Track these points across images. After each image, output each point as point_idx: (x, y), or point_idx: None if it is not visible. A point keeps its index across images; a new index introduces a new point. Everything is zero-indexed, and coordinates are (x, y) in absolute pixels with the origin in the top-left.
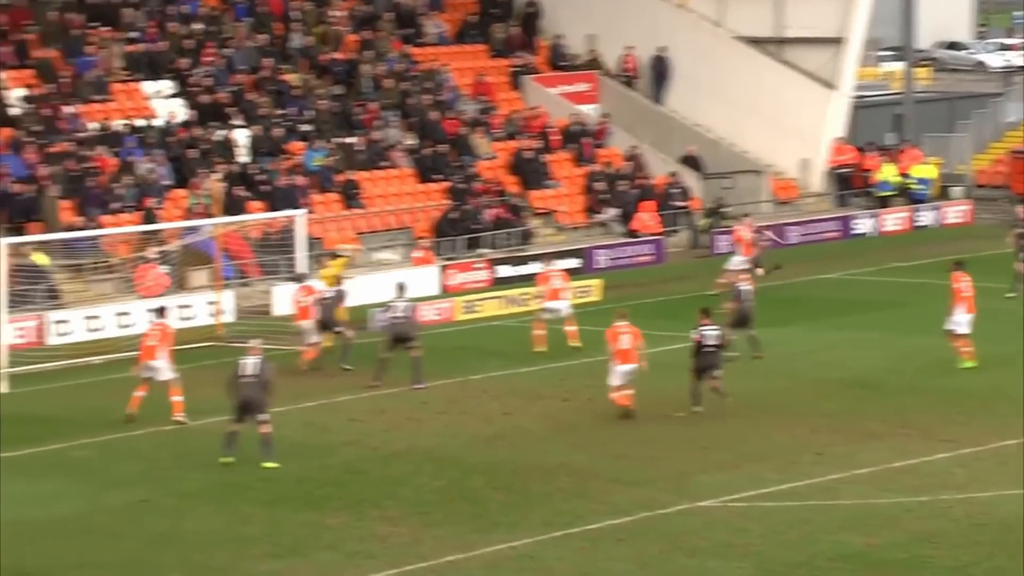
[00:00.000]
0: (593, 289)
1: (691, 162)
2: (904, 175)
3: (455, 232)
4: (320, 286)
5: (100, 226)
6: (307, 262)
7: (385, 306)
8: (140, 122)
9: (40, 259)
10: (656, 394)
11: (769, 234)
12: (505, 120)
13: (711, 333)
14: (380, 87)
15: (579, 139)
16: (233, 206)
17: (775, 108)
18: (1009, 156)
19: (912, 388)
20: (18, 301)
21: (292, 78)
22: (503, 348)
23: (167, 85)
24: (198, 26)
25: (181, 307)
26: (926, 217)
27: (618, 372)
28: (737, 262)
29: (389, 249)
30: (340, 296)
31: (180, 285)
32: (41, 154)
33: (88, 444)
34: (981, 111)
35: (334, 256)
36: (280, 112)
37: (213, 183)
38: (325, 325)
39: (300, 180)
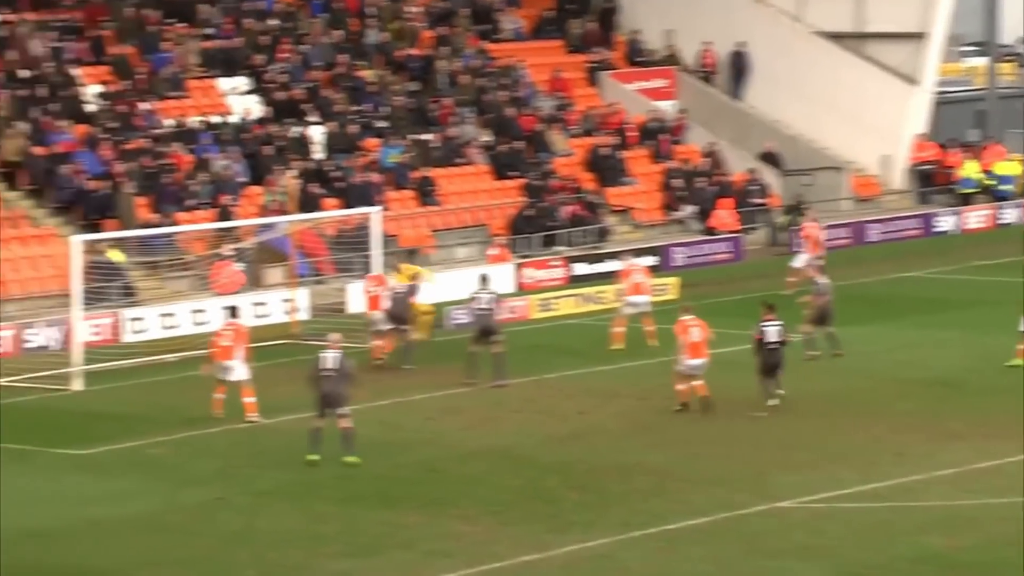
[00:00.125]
0: (670, 287)
1: (770, 159)
2: (987, 172)
3: (531, 229)
4: (393, 280)
5: (176, 223)
6: (382, 260)
7: (470, 298)
8: (216, 119)
9: (116, 256)
10: (733, 392)
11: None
12: (582, 116)
13: (772, 329)
14: (456, 83)
15: (656, 136)
16: (308, 203)
17: (855, 104)
18: None
19: (994, 388)
20: (93, 298)
21: (368, 74)
22: (579, 346)
23: (243, 81)
24: (273, 22)
25: (256, 305)
26: (1009, 215)
27: (688, 366)
28: (804, 259)
29: (464, 246)
30: (412, 291)
31: (255, 283)
32: (117, 151)
33: (163, 442)
34: None
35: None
36: (355, 109)
37: (288, 180)
38: (395, 319)
39: (375, 177)
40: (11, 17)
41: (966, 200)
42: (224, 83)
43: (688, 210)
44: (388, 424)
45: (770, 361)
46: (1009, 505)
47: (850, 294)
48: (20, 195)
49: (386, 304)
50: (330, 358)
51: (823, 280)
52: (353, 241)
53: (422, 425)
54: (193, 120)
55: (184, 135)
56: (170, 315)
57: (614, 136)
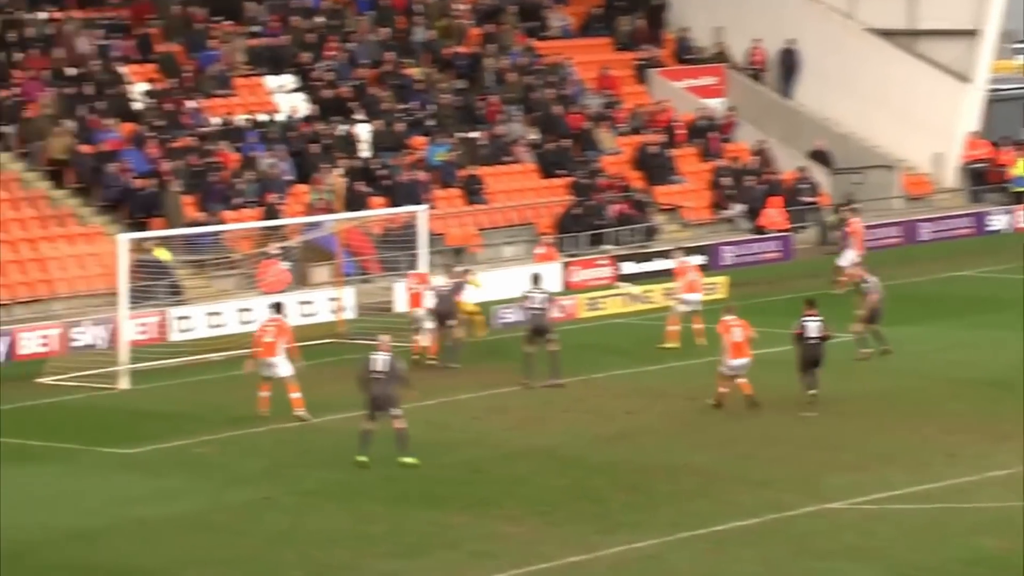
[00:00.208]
0: (719, 286)
1: (820, 157)
2: None
3: (578, 228)
4: (438, 279)
5: (222, 221)
6: (428, 258)
7: (522, 297)
8: (262, 117)
9: (162, 255)
10: (782, 392)
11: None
12: (630, 114)
13: (813, 324)
14: (503, 81)
15: (705, 134)
16: (354, 202)
17: (907, 102)
18: None
19: None
20: (140, 297)
21: (415, 72)
22: (626, 346)
23: (289, 79)
24: (320, 20)
25: (302, 303)
26: None
27: (730, 366)
28: (850, 257)
29: (511, 245)
30: (457, 288)
31: (301, 281)
32: (163, 149)
33: (209, 441)
34: None
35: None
36: (402, 107)
37: (335, 178)
38: (441, 316)
39: (422, 175)
40: (58, 15)
41: (1019, 198)
42: (271, 81)
43: (737, 209)
44: (434, 424)
45: (810, 356)
46: None
47: (901, 293)
48: (67, 193)
49: (431, 302)
50: (380, 360)
51: (872, 278)
52: (400, 240)
53: (468, 425)
54: (240, 118)
55: (231, 133)
56: (216, 314)
57: (662, 134)
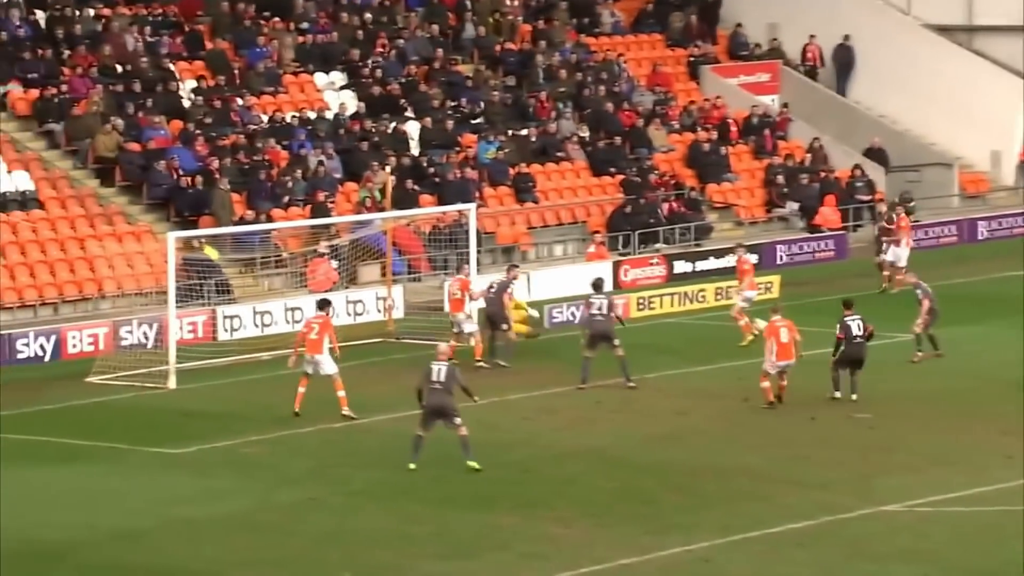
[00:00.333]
0: (772, 285)
1: (875, 154)
2: None
3: (630, 227)
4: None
5: (271, 220)
6: (477, 257)
7: (585, 303)
8: (311, 114)
9: (211, 253)
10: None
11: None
12: (682, 111)
13: (854, 323)
14: (554, 78)
15: (759, 131)
16: (404, 200)
17: (964, 98)
18: None
19: None
20: (188, 296)
21: (465, 69)
22: (678, 346)
23: (338, 77)
24: (369, 16)
25: (351, 302)
26: None
27: (774, 365)
28: (896, 254)
29: (562, 244)
30: (503, 287)
31: (350, 280)
32: (211, 147)
33: (257, 441)
34: None
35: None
36: (452, 104)
37: (384, 176)
38: (490, 318)
39: (472, 173)
40: (106, 12)
41: None
42: (320, 78)
43: (791, 207)
44: (484, 424)
45: (856, 355)
46: None
47: (957, 293)
48: (115, 192)
49: (480, 304)
50: (439, 370)
51: (922, 284)
52: (449, 238)
53: (518, 425)
54: (288, 115)
55: (279, 131)
56: (265, 313)
57: (715, 132)
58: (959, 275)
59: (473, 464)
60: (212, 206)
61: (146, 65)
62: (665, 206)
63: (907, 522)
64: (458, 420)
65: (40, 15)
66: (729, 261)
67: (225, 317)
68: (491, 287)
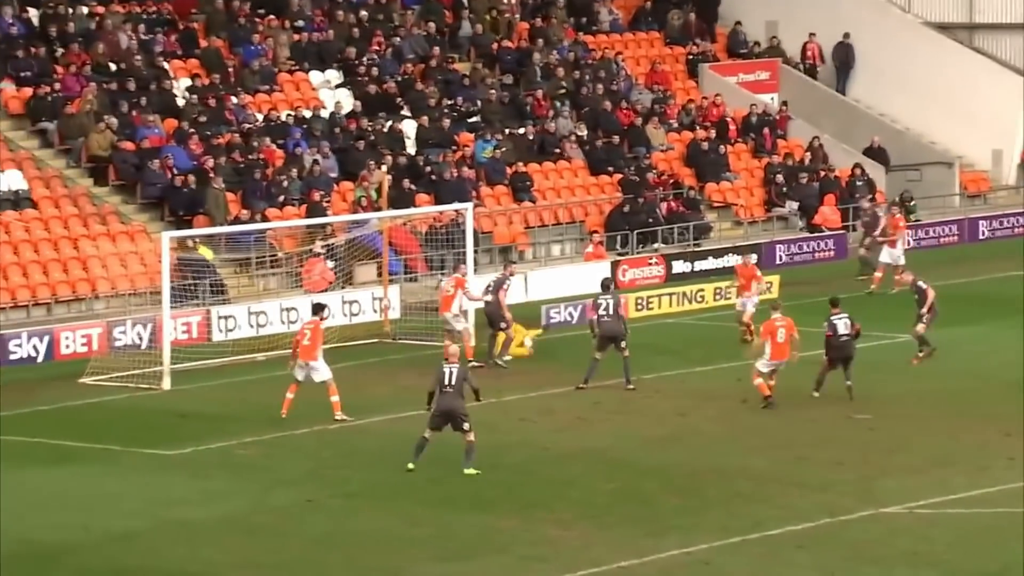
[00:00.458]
0: (771, 285)
1: (876, 154)
2: None
3: (628, 226)
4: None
5: (266, 219)
6: (474, 257)
7: (593, 304)
8: (306, 113)
9: (205, 253)
10: (837, 395)
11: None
12: (681, 110)
13: (841, 322)
14: (552, 76)
15: (758, 130)
16: (400, 199)
17: (965, 97)
18: None
19: None
20: (183, 296)
21: (461, 67)
22: (677, 347)
23: (334, 75)
24: (365, 14)
25: (347, 303)
26: None
27: (768, 364)
28: (891, 254)
29: (559, 244)
30: (498, 286)
31: (346, 280)
32: (206, 146)
33: (252, 442)
34: None
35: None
36: (449, 102)
37: (380, 175)
38: (489, 319)
39: (469, 172)
40: (100, 10)
41: None
42: (315, 76)
43: (791, 206)
44: (482, 425)
45: (843, 353)
46: None
47: (958, 293)
48: (109, 191)
49: (477, 305)
50: (451, 372)
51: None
52: (446, 238)
53: (516, 426)
54: (284, 114)
55: (274, 130)
56: (260, 313)
57: (714, 130)
58: (960, 275)
59: (471, 471)
60: (206, 205)
61: (140, 63)
62: (664, 205)
63: (908, 524)
64: (467, 426)
65: (33, 13)
66: (727, 261)
67: (220, 317)
68: (488, 286)
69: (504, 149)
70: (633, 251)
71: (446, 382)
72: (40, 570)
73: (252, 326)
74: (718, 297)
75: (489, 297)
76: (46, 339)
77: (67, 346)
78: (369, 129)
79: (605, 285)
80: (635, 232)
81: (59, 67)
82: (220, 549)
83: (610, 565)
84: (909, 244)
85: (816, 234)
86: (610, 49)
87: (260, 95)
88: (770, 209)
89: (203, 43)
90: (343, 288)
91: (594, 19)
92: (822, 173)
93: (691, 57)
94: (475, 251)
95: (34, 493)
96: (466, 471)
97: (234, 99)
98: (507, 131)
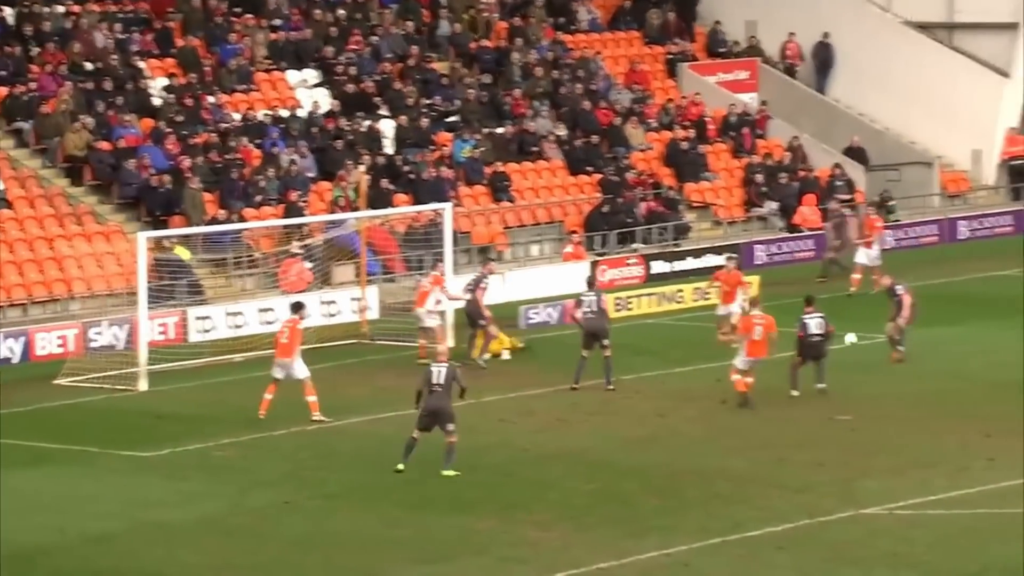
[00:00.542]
0: (751, 286)
1: (855, 153)
2: None
3: (607, 226)
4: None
5: (243, 219)
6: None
7: (575, 302)
8: (284, 112)
9: (182, 253)
10: (817, 396)
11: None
12: (660, 110)
13: (813, 321)
14: (530, 76)
15: (738, 129)
16: (378, 199)
17: (945, 97)
18: None
19: None
20: (159, 296)
21: (440, 67)
22: (656, 347)
23: (311, 74)
24: (343, 13)
25: (324, 303)
26: None
27: (744, 361)
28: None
29: (538, 244)
30: (477, 283)
31: (324, 281)
32: (183, 145)
33: (229, 444)
34: None
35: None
36: (427, 102)
37: (358, 175)
38: (469, 316)
39: (447, 172)
40: (75, 9)
41: None
42: (292, 76)
43: (770, 206)
44: (462, 426)
45: (814, 353)
46: None
47: (938, 293)
48: (85, 191)
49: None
50: (440, 372)
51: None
52: (424, 238)
53: (496, 427)
54: (261, 114)
55: (252, 129)
56: (237, 314)
57: (693, 130)
58: (939, 275)
59: (449, 473)
60: (183, 205)
61: (116, 63)
62: (643, 205)
63: (888, 525)
64: (451, 427)
65: (8, 12)
66: (707, 261)
67: (197, 318)
68: (468, 285)
69: (483, 149)
70: (612, 251)
71: (434, 381)
72: (15, 572)
73: (229, 327)
74: (697, 298)
75: (468, 295)
76: (21, 340)
77: (43, 347)
78: (347, 129)
79: (589, 282)
80: (614, 232)
81: (35, 66)
82: (197, 551)
83: (589, 566)
84: (888, 245)
85: (796, 234)
86: (589, 48)
87: (237, 94)
88: (749, 209)
89: (180, 42)
90: (321, 288)
91: (573, 18)
92: (801, 173)
93: (670, 57)
94: (454, 251)
95: (9, 495)
96: (445, 472)
97: (211, 98)
98: (486, 131)
